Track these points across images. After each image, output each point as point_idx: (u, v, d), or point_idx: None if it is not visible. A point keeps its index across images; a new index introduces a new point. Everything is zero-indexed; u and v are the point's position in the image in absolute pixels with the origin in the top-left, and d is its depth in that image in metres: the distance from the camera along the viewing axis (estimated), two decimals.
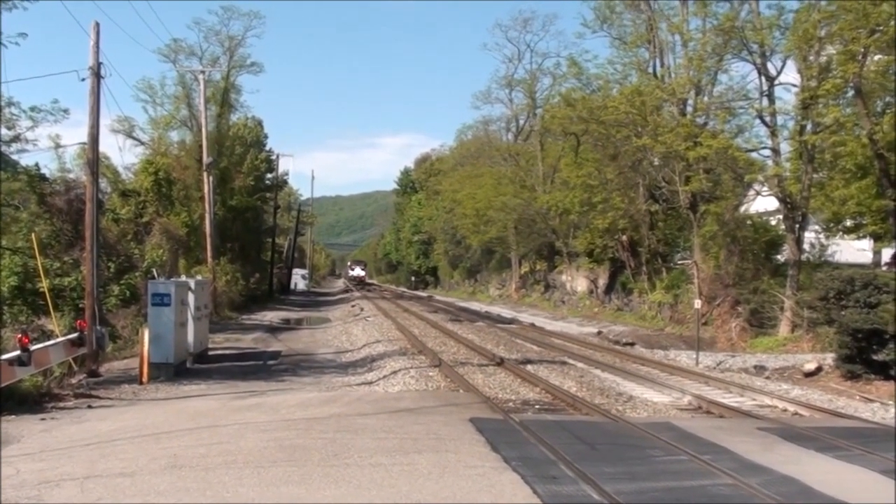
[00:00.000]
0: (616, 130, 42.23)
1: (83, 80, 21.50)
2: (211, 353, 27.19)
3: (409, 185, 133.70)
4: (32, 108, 24.77)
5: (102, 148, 25.31)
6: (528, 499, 9.51)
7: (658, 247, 47.46)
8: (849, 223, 34.73)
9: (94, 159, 22.27)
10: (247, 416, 15.10)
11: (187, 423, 14.55)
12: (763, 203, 38.92)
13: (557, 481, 10.33)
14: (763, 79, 33.44)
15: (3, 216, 27.28)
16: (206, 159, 45.26)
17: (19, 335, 17.64)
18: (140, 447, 12.24)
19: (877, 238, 34.84)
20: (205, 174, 45.28)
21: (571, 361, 26.57)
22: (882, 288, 22.82)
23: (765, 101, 33.48)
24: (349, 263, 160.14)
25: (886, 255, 35.67)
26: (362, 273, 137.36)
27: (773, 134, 33.26)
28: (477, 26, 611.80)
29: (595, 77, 44.71)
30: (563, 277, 64.86)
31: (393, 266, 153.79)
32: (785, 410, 18.48)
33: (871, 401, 19.81)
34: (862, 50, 28.08)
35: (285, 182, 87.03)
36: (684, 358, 28.26)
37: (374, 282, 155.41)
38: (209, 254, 44.14)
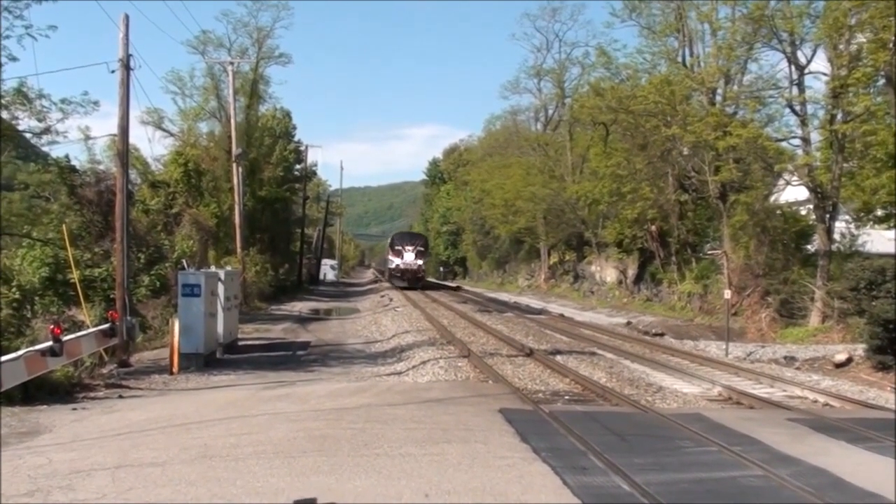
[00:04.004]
0: (645, 120, 42.03)
1: (112, 71, 21.64)
2: (241, 343, 27.34)
3: (437, 175, 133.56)
4: (63, 100, 25.00)
5: (132, 139, 25.52)
6: (558, 490, 9.50)
7: (687, 237, 47.17)
8: (880, 213, 34.25)
9: (123, 150, 22.42)
10: (276, 406, 15.17)
11: (217, 413, 14.64)
12: (793, 193, 38.59)
13: (587, 472, 10.31)
14: (793, 68, 33.22)
15: (34, 207, 27.55)
16: (235, 150, 45.42)
17: (51, 326, 17.85)
18: (170, 437, 12.34)
19: None
20: (234, 165, 45.45)
21: (601, 352, 26.49)
22: None
23: (794, 90, 33.29)
24: (391, 240, 77.64)
25: None
26: (419, 261, 72.21)
27: (804, 123, 33.02)
28: (500, 18, 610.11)
29: (624, 66, 44.57)
30: (593, 268, 64.62)
31: None
32: (815, 401, 18.36)
33: None
34: (893, 38, 27.77)
35: (314, 173, 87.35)
36: (714, 348, 28.13)
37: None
38: (238, 244, 44.32)
